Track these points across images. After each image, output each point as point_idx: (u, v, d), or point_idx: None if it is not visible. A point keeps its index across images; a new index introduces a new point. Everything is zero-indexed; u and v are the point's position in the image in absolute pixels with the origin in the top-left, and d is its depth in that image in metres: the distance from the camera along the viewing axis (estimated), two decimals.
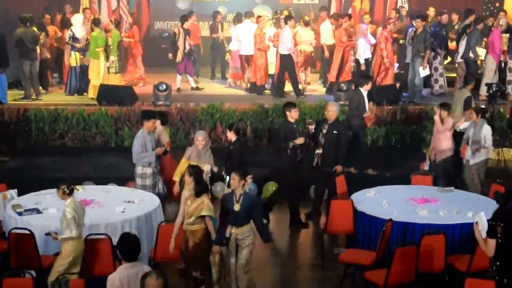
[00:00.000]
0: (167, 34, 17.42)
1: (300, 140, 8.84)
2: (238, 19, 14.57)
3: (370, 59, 13.68)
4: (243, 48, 13.88)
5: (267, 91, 13.71)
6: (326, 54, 14.00)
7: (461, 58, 13.26)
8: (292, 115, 9.01)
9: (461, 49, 13.21)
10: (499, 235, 5.65)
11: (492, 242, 5.69)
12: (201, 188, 6.70)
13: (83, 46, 13.20)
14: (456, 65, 13.72)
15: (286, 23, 13.05)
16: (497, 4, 16.40)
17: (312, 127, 9.36)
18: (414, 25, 13.01)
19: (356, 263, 7.16)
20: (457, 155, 9.99)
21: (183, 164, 8.34)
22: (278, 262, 8.15)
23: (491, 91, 11.58)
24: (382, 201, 7.81)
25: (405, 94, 13.18)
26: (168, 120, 9.85)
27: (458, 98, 10.78)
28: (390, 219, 7.04)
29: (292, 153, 8.88)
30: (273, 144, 9.96)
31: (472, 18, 13.43)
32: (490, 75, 12.91)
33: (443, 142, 9.42)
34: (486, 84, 12.43)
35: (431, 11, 14.39)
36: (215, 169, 8.57)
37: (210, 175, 8.53)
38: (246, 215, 6.63)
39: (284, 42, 12.91)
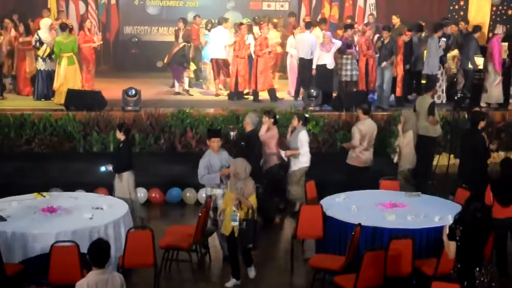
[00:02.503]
0: (136, 39, 17.37)
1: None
2: (210, 24, 14.68)
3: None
4: (214, 52, 13.95)
5: (249, 97, 13.78)
6: None
7: (460, 68, 13.36)
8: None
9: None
10: (457, 238, 5.75)
11: (452, 245, 5.80)
12: None
13: (44, 50, 13.09)
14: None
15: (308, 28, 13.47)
16: (462, 13, 16.73)
17: (233, 134, 9.72)
18: (382, 36, 13.18)
19: (325, 268, 7.18)
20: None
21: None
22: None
23: (456, 97, 11.75)
24: (351, 206, 7.87)
25: (372, 97, 13.31)
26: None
27: (421, 104, 10.93)
28: (359, 224, 7.10)
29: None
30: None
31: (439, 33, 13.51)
32: (495, 83, 13.04)
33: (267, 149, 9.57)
34: (453, 91, 12.64)
35: (395, 19, 14.57)
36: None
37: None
38: None
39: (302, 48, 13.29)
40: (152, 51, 16.93)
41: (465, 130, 9.93)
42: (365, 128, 9.65)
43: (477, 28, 13.55)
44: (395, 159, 10.26)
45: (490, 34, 14.30)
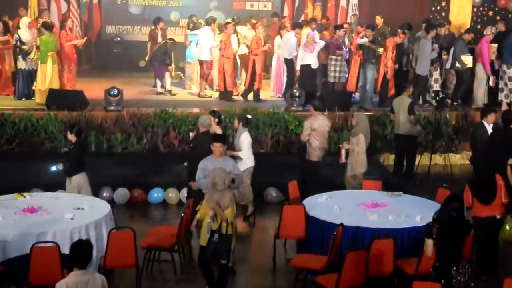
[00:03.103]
0: (119, 39, 17.29)
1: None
2: (193, 24, 14.66)
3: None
4: (200, 53, 13.96)
5: (238, 97, 13.80)
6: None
7: (450, 68, 13.42)
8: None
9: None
10: (434, 236, 5.81)
11: (429, 242, 5.87)
12: None
13: (29, 50, 12.96)
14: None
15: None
16: (443, 14, 16.86)
17: (192, 134, 9.59)
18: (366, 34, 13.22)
19: (307, 268, 7.19)
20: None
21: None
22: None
23: (437, 98, 11.83)
24: (333, 206, 7.89)
25: (356, 99, 13.37)
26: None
27: (399, 105, 11.00)
28: (341, 224, 7.12)
29: None
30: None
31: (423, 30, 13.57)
32: (482, 84, 13.16)
33: None
34: (433, 92, 12.73)
35: (378, 20, 14.63)
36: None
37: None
38: None
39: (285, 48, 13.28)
40: (135, 51, 16.85)
41: (496, 129, 9.85)
42: (316, 124, 9.74)
43: (467, 29, 13.64)
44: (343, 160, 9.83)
45: (472, 35, 14.36)
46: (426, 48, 12.98)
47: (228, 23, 14.07)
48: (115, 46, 17.18)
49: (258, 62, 13.48)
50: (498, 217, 7.63)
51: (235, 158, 9.01)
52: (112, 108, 12.19)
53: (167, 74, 14.19)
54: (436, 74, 13.48)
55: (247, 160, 9.45)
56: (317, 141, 9.73)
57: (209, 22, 14.12)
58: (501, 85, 13.22)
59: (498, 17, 16.10)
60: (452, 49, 13.35)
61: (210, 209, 6.82)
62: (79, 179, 8.45)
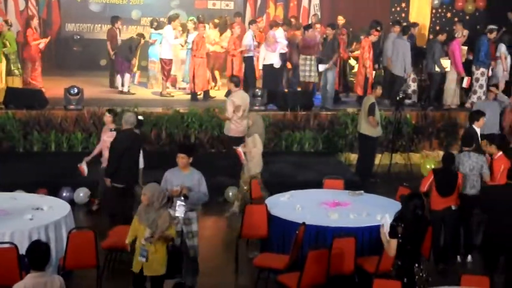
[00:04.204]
0: (78, 37, 17.05)
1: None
2: (156, 23, 14.56)
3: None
4: (162, 52, 13.90)
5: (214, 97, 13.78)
6: None
7: (427, 71, 13.48)
8: None
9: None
10: (399, 235, 5.86)
11: (393, 242, 5.89)
12: None
13: None
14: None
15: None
16: (403, 15, 17.11)
17: (113, 131, 9.25)
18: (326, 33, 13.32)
19: (270, 267, 7.21)
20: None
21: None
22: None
23: (398, 97, 11.99)
24: (295, 205, 7.92)
25: (318, 99, 13.45)
26: None
27: (364, 104, 11.13)
28: (303, 223, 7.16)
29: None
30: None
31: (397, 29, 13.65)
32: (452, 85, 13.31)
33: None
34: (394, 92, 12.88)
35: (340, 20, 14.75)
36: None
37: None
38: None
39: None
40: (95, 49, 16.64)
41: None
42: (238, 99, 9.90)
43: (441, 30, 13.79)
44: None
45: (431, 36, 14.59)
46: (403, 48, 13.08)
47: (200, 22, 14.06)
48: (75, 44, 16.92)
49: (235, 63, 13.44)
50: (453, 207, 7.97)
51: None
52: (72, 107, 12.03)
53: (127, 75, 14.02)
54: (413, 74, 13.60)
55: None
56: (239, 117, 9.77)
57: (172, 19, 14.06)
58: (474, 87, 13.38)
59: (456, 19, 16.42)
60: (428, 53, 13.35)
61: (148, 233, 6.14)
62: None
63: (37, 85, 13.31)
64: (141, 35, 14.39)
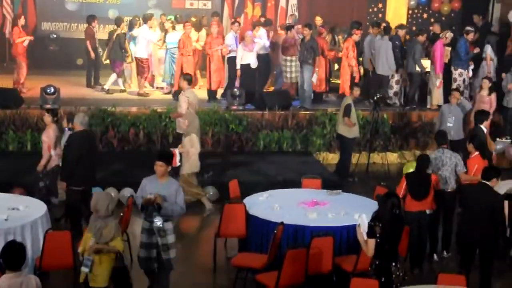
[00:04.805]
0: (55, 36, 16.87)
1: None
2: (134, 22, 14.50)
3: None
4: (137, 51, 13.84)
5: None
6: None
7: (408, 71, 13.48)
8: None
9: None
10: (378, 235, 5.89)
11: (371, 242, 5.91)
12: None
13: None
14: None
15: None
16: (380, 15, 17.23)
17: (67, 132, 9.17)
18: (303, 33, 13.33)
19: (248, 267, 7.21)
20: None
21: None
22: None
23: (375, 98, 12.06)
24: (274, 205, 7.93)
25: (296, 103, 13.44)
26: None
27: (342, 105, 11.19)
28: (282, 222, 7.17)
29: None
30: None
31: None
32: (437, 85, 13.33)
33: None
34: (371, 92, 12.95)
35: (318, 20, 14.80)
36: None
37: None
38: None
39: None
40: (72, 48, 16.49)
41: None
42: (191, 96, 9.90)
43: (422, 31, 13.85)
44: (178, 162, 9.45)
45: (407, 37, 14.69)
46: (389, 49, 13.15)
47: (186, 21, 14.07)
48: (51, 43, 16.76)
49: (212, 63, 13.40)
50: (427, 212, 7.98)
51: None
52: (48, 106, 11.88)
53: (114, 75, 13.98)
54: (397, 76, 13.64)
55: None
56: (192, 114, 9.72)
57: (147, 18, 13.99)
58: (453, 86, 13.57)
59: (432, 19, 16.57)
60: (409, 53, 13.35)
61: (93, 242, 5.96)
62: None
63: (23, 85, 13.21)
64: (119, 21, 14.20)
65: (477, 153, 8.52)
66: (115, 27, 14.19)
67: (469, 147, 8.60)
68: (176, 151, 9.31)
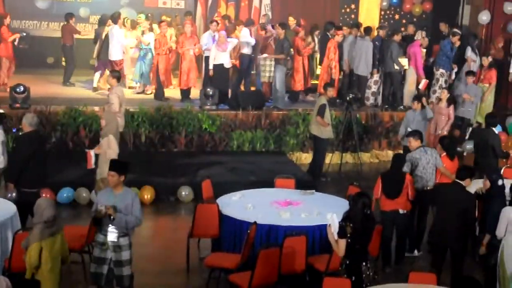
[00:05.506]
0: (25, 34, 16.63)
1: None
2: (103, 22, 14.35)
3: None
4: (111, 53, 13.67)
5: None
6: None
7: (387, 71, 13.55)
8: None
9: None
10: (348, 235, 5.91)
11: (342, 242, 5.93)
12: None
13: None
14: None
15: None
16: (353, 16, 17.35)
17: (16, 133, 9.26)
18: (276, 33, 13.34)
19: (221, 267, 7.20)
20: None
21: None
22: (139, 269, 7.94)
23: (348, 98, 12.12)
24: (247, 205, 7.92)
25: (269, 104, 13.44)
26: None
27: (316, 104, 11.23)
28: (255, 222, 7.16)
29: None
30: None
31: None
32: (412, 86, 13.45)
33: None
34: (343, 93, 13.01)
35: (291, 21, 14.83)
36: None
37: None
38: None
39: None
40: (42, 47, 16.30)
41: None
42: (121, 93, 9.76)
43: (396, 31, 13.89)
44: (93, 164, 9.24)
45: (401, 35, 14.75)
46: (369, 50, 13.23)
47: (162, 21, 14.00)
48: (21, 41, 16.51)
49: (183, 62, 13.34)
50: (401, 211, 8.01)
51: None
52: (18, 105, 11.73)
53: (98, 74, 13.88)
54: (376, 77, 13.70)
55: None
56: (110, 113, 9.47)
57: (115, 17, 13.81)
58: (434, 86, 13.59)
59: (403, 20, 16.72)
60: (385, 53, 13.44)
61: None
62: None
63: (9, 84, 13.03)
64: (106, 19, 14.11)
65: (444, 154, 8.67)
66: (97, 26, 14.11)
67: (437, 148, 8.73)
68: (92, 152, 8.99)
